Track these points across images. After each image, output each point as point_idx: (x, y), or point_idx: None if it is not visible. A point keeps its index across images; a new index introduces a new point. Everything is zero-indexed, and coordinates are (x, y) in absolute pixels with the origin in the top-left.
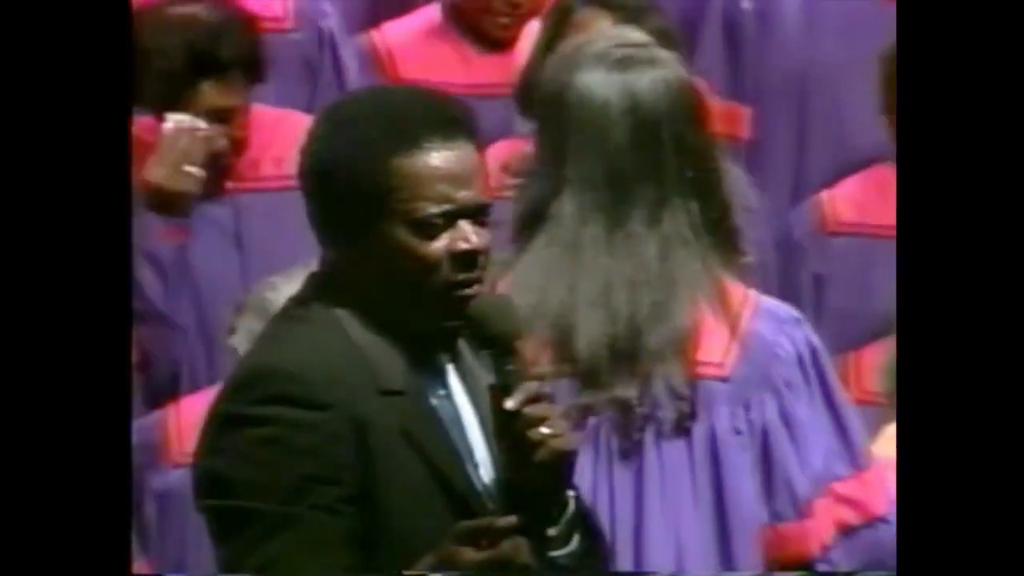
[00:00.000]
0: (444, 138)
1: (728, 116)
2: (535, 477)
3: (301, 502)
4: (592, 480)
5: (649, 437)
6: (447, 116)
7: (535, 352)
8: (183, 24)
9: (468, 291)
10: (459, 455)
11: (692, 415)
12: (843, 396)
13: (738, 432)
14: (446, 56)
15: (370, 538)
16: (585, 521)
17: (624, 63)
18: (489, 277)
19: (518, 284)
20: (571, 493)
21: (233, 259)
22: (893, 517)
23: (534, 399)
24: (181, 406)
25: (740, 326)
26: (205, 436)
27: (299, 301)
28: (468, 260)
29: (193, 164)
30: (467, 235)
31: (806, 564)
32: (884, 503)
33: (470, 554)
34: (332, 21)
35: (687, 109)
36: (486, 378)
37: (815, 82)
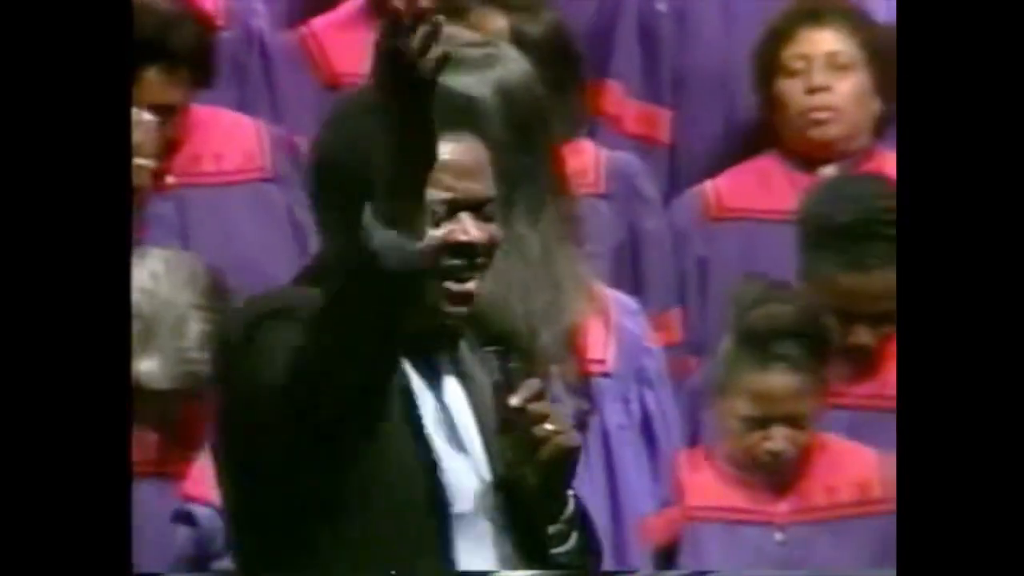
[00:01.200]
0: (451, 129)
1: (646, 118)
2: (538, 474)
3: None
4: None
5: None
6: (454, 107)
7: None
8: (138, 9)
9: (460, 284)
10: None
11: (590, 411)
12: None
13: (622, 427)
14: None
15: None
16: (583, 520)
17: (488, 61)
18: None
19: None
20: (570, 492)
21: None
22: None
23: (538, 396)
24: None
25: (610, 321)
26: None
27: (286, 285)
28: (464, 252)
29: (144, 157)
30: (466, 227)
31: (673, 549)
32: None
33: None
34: (262, 20)
35: (547, 108)
36: (484, 376)
37: (735, 82)
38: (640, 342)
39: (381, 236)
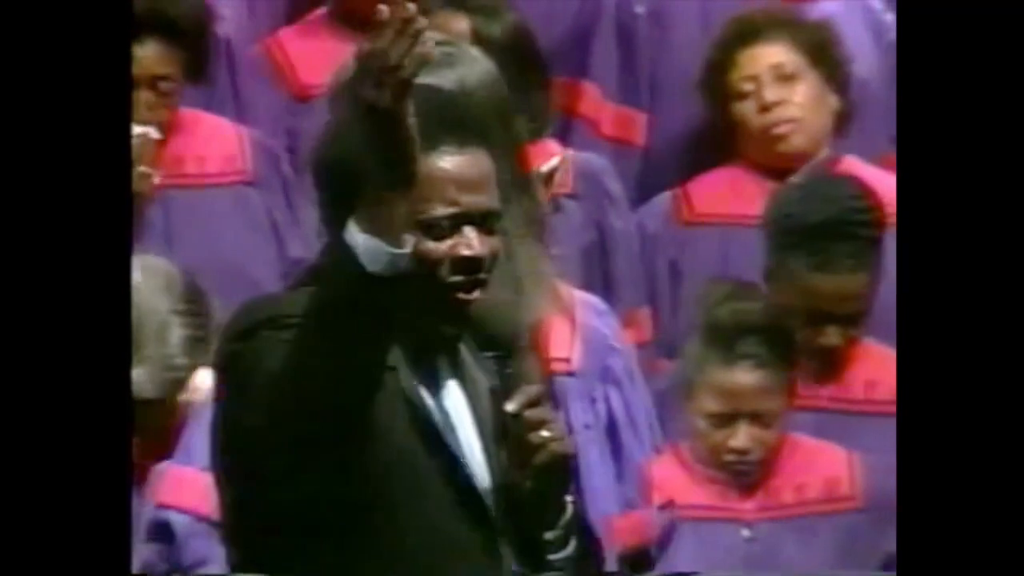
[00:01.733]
0: (458, 143)
1: (623, 121)
2: (535, 480)
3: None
4: None
5: None
6: (462, 120)
7: None
8: None
9: (466, 296)
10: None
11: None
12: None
13: (587, 427)
14: (343, 55)
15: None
16: (581, 525)
17: (449, 61)
18: None
19: None
20: (568, 497)
21: (163, 254)
22: None
23: (534, 402)
24: None
25: (576, 320)
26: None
27: (291, 284)
28: (468, 266)
29: (146, 164)
30: (470, 241)
31: (646, 550)
32: None
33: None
34: (229, 26)
35: (508, 106)
36: (485, 381)
37: None
38: (607, 341)
39: (363, 241)
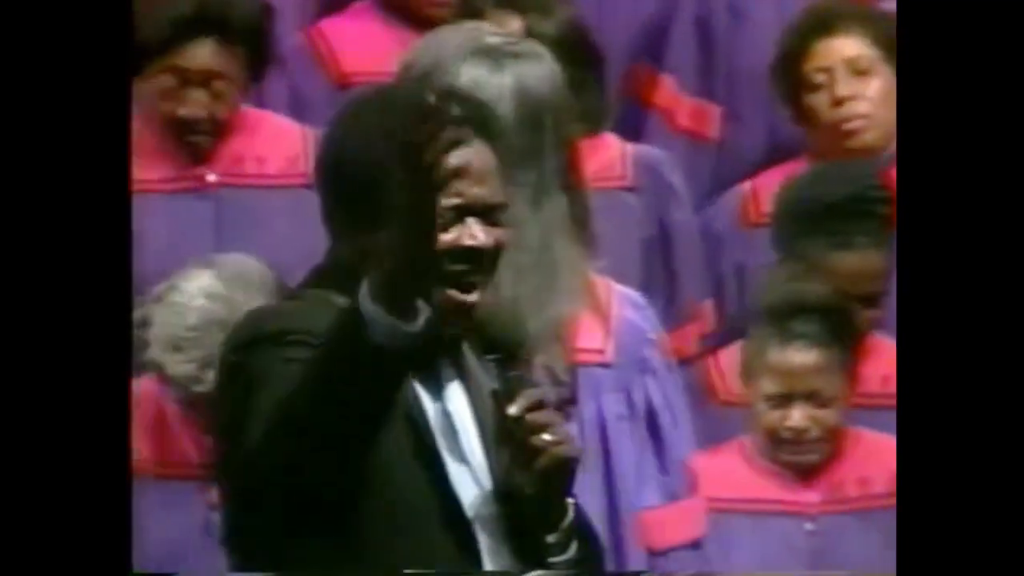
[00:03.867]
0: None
1: (697, 114)
2: (536, 483)
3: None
4: None
5: None
6: (466, 113)
7: None
8: None
9: (466, 297)
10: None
11: (572, 400)
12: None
13: (621, 418)
14: (384, 44)
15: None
16: (583, 528)
17: (513, 53)
18: None
19: None
20: (570, 500)
21: (209, 252)
22: None
23: (537, 406)
24: None
25: (611, 312)
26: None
27: (298, 287)
28: (471, 257)
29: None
30: (474, 232)
31: (696, 543)
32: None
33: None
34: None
35: (564, 104)
36: (489, 384)
37: None
38: (643, 333)
39: (375, 314)
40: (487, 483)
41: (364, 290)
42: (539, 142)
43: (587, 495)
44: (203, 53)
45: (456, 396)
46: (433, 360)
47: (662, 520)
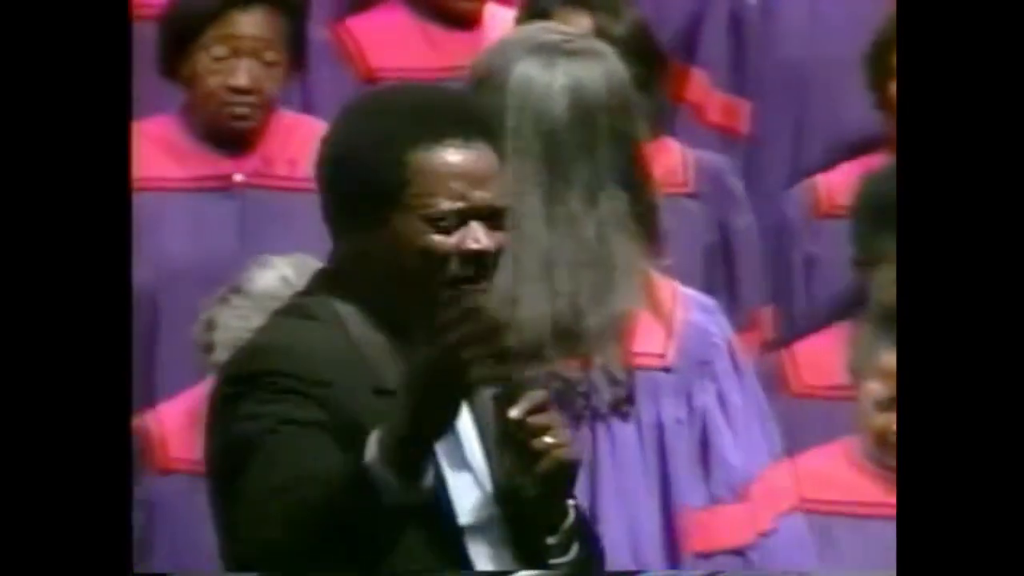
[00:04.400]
0: (464, 137)
1: (728, 109)
2: (537, 486)
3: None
4: None
5: (601, 430)
6: (469, 115)
7: None
8: None
9: (471, 295)
10: (438, 463)
11: (628, 399)
12: (759, 388)
13: (679, 422)
14: (413, 41)
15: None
16: (583, 529)
17: (568, 51)
18: None
19: None
20: (571, 502)
21: (230, 252)
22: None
23: (538, 409)
24: (161, 412)
25: (675, 315)
26: (209, 411)
27: (303, 294)
28: (476, 260)
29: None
30: (477, 236)
31: (739, 550)
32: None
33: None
34: None
35: (624, 102)
36: (489, 388)
37: (816, 76)
38: (709, 339)
39: (382, 474)
40: (488, 486)
41: (373, 452)
42: (593, 139)
43: (643, 498)
44: (253, 21)
45: None
46: None
47: (704, 523)
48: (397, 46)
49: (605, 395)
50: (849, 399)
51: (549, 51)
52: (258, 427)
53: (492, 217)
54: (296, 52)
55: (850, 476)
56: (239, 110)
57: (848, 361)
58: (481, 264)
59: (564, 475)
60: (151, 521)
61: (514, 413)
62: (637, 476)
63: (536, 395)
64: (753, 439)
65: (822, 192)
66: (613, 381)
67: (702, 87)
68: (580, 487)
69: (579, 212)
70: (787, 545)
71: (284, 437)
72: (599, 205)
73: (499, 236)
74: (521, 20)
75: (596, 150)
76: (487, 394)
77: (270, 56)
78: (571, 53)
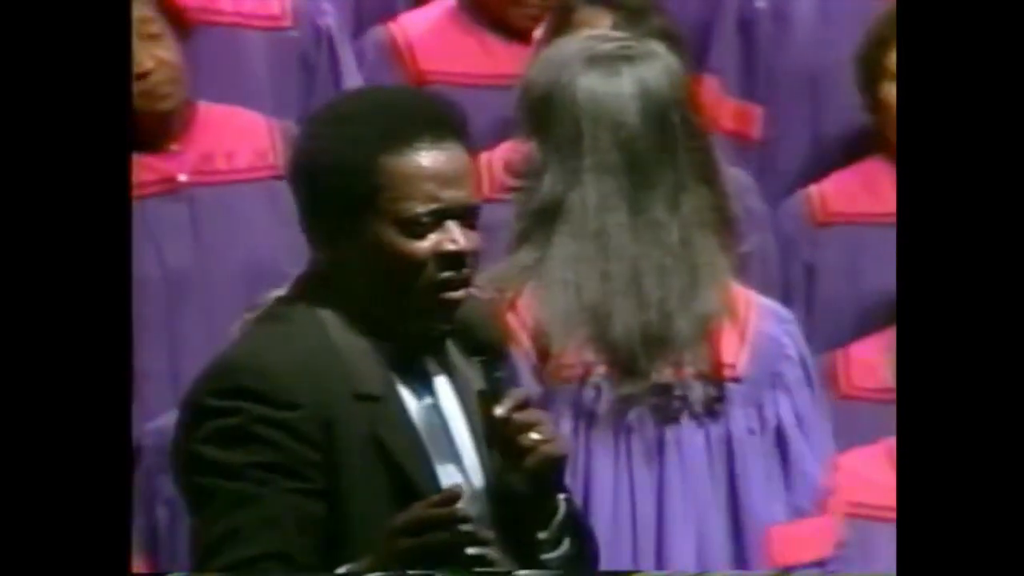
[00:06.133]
0: (434, 138)
1: (740, 115)
2: (525, 482)
3: (264, 486)
4: (614, 481)
5: (671, 436)
6: (438, 117)
7: (577, 350)
8: None
9: (453, 293)
10: (430, 465)
11: (720, 398)
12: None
13: (751, 432)
14: (468, 47)
15: (335, 536)
16: (575, 524)
17: (626, 56)
18: (515, 284)
19: (552, 283)
20: (562, 496)
21: (190, 254)
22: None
23: (523, 405)
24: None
25: (748, 326)
26: (179, 421)
27: (283, 301)
28: (454, 261)
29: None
30: (454, 236)
31: (822, 562)
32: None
33: (405, 542)
34: (330, 19)
35: (688, 96)
36: (477, 385)
37: (828, 80)
38: (782, 349)
39: None
40: (478, 481)
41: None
42: (671, 140)
43: (712, 509)
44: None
45: (445, 393)
46: (417, 359)
47: (788, 537)
48: (449, 50)
49: (699, 394)
50: (892, 402)
51: (609, 60)
52: (218, 472)
53: (467, 215)
54: (172, 16)
55: (891, 479)
56: (161, 91)
57: (891, 364)
58: (460, 264)
59: (552, 469)
60: (174, 519)
61: (499, 411)
62: (703, 486)
63: (520, 392)
64: (826, 451)
65: (816, 201)
66: (705, 380)
67: (714, 94)
68: (648, 499)
69: (663, 218)
70: (857, 554)
71: (243, 485)
72: (681, 207)
73: (474, 236)
74: (547, 21)
75: (675, 150)
76: (474, 388)
77: (154, 29)
78: (631, 58)
